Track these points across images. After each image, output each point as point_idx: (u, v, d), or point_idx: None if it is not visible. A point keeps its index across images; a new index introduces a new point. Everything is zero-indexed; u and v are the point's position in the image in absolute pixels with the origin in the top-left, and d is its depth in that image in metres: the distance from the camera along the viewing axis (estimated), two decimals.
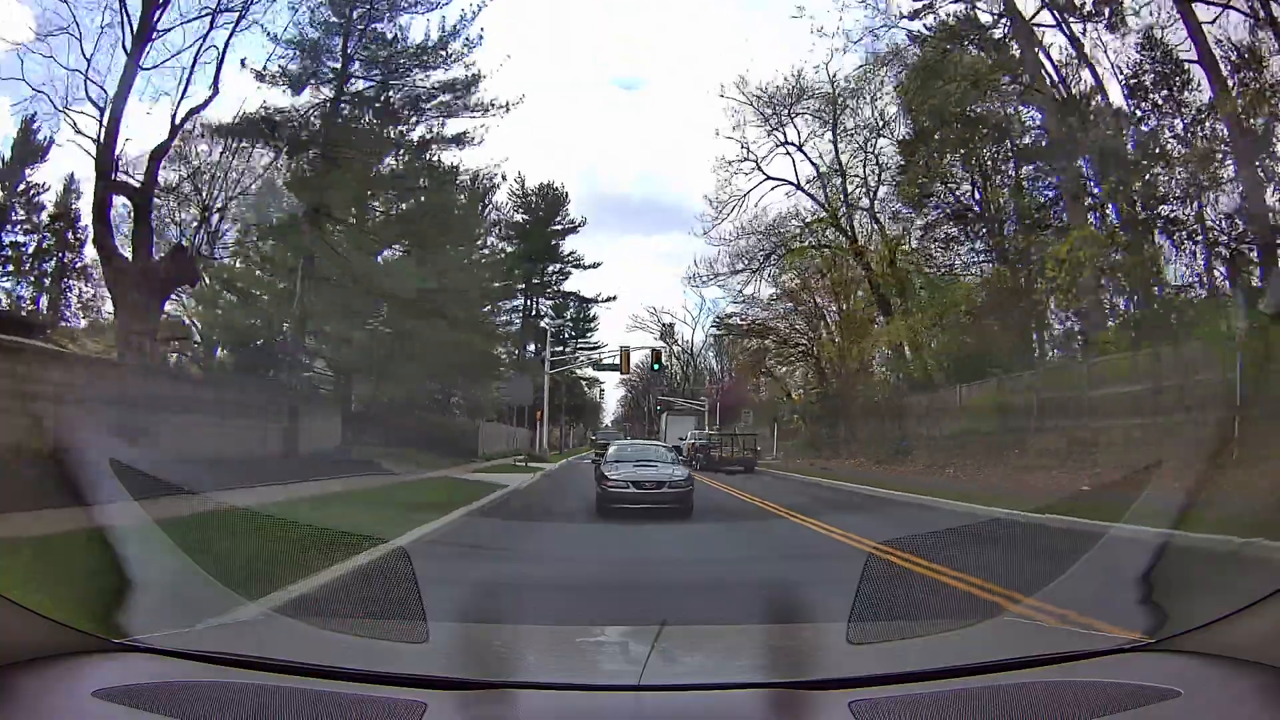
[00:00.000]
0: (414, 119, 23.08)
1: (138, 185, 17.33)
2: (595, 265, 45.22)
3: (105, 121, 16.73)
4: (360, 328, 23.57)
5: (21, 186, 33.13)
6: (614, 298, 53.19)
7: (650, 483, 12.33)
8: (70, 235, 33.59)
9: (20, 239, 33.31)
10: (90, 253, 28.95)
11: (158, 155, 17.86)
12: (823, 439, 29.76)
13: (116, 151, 16.74)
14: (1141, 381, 15.17)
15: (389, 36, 22.04)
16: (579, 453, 42.19)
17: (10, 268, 33.25)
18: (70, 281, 34.21)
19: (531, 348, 39.59)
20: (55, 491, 6.60)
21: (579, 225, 42.27)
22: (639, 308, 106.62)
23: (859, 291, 27.96)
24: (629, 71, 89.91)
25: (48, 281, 34.15)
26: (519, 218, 39.88)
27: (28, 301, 33.03)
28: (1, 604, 1.68)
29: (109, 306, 23.34)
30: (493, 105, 22.71)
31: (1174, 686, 1.57)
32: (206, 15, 18.15)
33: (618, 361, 32.08)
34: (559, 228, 41.24)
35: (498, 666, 1.93)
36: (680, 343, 51.11)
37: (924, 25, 23.28)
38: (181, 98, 18.01)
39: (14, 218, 32.79)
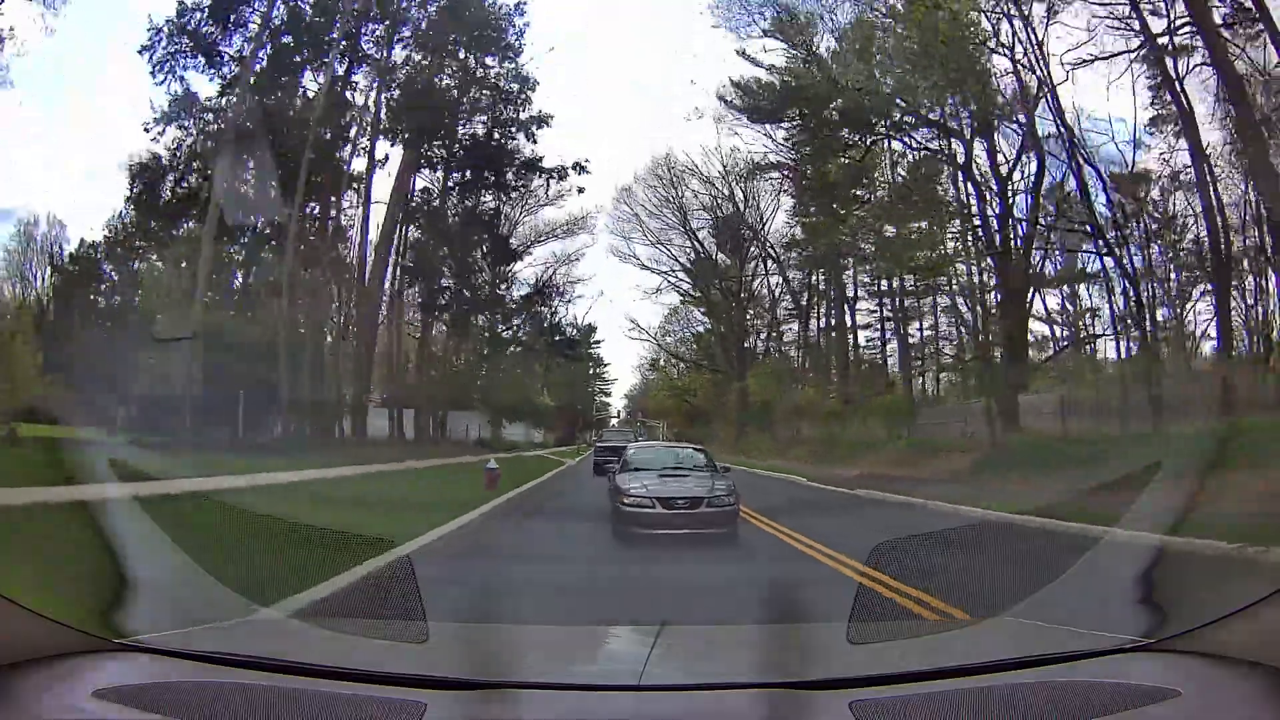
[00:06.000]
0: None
1: None
2: (609, 364, 70.91)
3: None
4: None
5: None
6: (617, 380, 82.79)
7: (683, 500, 9.47)
8: None
9: None
10: None
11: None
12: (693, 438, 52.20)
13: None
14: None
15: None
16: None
17: None
18: None
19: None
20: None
21: (602, 341, 65.22)
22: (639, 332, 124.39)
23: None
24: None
25: None
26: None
27: None
28: (1, 604, 1.67)
29: None
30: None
31: (1174, 686, 1.56)
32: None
33: (620, 412, 70.77)
34: (594, 340, 64.25)
35: (497, 666, 1.91)
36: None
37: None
38: None
39: None
